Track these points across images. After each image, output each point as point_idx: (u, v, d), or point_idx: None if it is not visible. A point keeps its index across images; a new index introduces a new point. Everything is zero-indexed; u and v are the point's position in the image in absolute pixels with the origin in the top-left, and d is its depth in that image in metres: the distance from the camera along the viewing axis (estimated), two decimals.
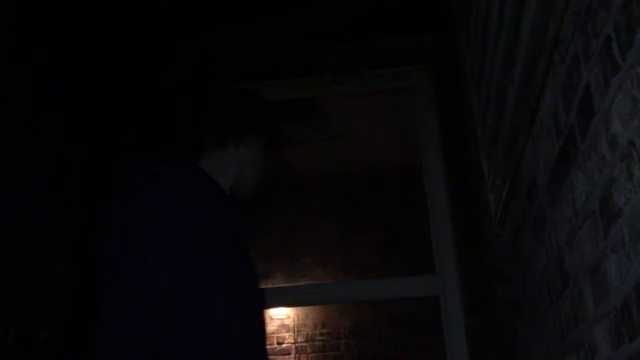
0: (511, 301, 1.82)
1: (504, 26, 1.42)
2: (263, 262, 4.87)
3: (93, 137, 2.28)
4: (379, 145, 4.42)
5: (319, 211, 4.97)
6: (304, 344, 4.95)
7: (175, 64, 2.54)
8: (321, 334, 4.95)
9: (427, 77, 2.56)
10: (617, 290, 0.88)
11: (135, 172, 1.41)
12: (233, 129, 1.53)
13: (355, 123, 4.20)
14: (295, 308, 4.96)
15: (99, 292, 1.26)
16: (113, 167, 2.18)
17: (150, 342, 1.21)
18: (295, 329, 5.00)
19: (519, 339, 1.74)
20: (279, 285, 4.75)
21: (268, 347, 4.83)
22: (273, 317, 5.00)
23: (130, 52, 2.47)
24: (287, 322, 5.01)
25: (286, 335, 4.98)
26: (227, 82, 2.54)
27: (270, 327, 4.99)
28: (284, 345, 4.96)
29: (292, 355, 4.93)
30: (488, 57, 1.69)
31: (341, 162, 4.72)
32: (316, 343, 4.94)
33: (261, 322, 1.49)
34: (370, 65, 2.56)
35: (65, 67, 2.18)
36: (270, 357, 5.29)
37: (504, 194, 1.65)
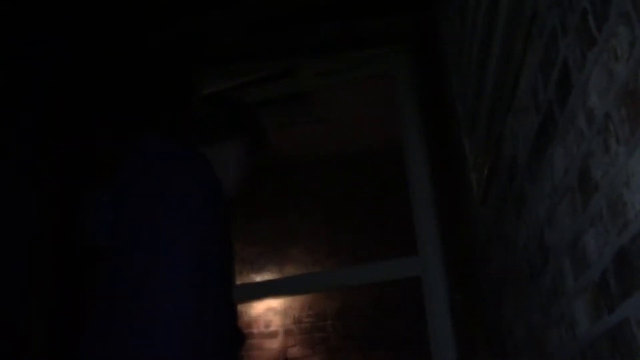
0: (494, 279, 1.83)
1: (482, 2, 1.41)
2: (250, 246, 4.87)
3: (74, 123, 2.25)
4: (364, 127, 4.41)
5: (304, 195, 4.97)
6: (291, 326, 4.97)
7: (155, 48, 2.51)
8: (308, 316, 4.98)
9: (409, 57, 2.54)
10: (596, 264, 0.88)
11: (146, 153, 1.44)
12: (221, 128, 1.58)
13: (339, 106, 4.18)
14: None
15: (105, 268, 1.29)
16: (101, 154, 2.16)
17: None
18: (283, 311, 5.01)
19: (503, 315, 1.76)
20: (266, 273, 4.77)
21: (256, 329, 4.80)
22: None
23: (109, 38, 2.43)
24: (274, 304, 5.02)
25: (273, 318, 5.00)
26: (208, 65, 2.52)
27: (257, 310, 5.01)
28: (272, 327, 4.97)
29: (280, 338, 4.95)
30: (467, 35, 1.68)
31: (326, 145, 4.71)
32: (303, 325, 4.96)
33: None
34: (351, 47, 2.54)
35: (43, 57, 2.14)
36: (258, 339, 5.30)
37: (486, 172, 1.65)
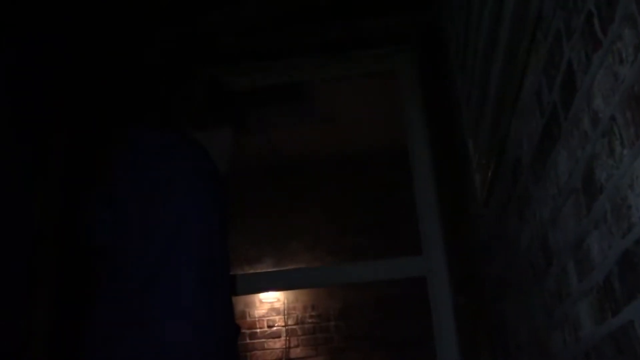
0: (497, 280, 1.83)
1: (487, 4, 1.41)
2: (251, 247, 4.87)
3: (75, 123, 2.25)
4: (365, 127, 4.41)
5: (305, 194, 4.97)
6: (294, 327, 4.97)
7: (157, 48, 2.51)
8: (311, 317, 4.98)
9: (413, 58, 2.54)
10: (600, 266, 0.88)
11: (141, 147, 1.43)
12: (214, 113, 1.58)
13: (340, 106, 4.18)
14: (284, 291, 4.97)
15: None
16: (100, 150, 2.16)
17: None
18: (286, 312, 5.02)
19: (506, 317, 1.76)
20: (268, 270, 4.76)
21: (258, 330, 4.79)
22: (263, 300, 5.02)
23: (111, 37, 2.43)
24: (277, 305, 5.03)
25: (276, 318, 5.00)
26: (210, 65, 2.51)
27: (260, 310, 5.01)
28: (275, 328, 4.98)
29: (283, 338, 4.95)
30: (472, 36, 1.68)
31: (327, 145, 4.71)
32: (306, 325, 4.96)
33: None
34: (354, 47, 2.54)
35: (46, 54, 2.14)
36: (261, 340, 5.32)
37: (490, 174, 1.65)
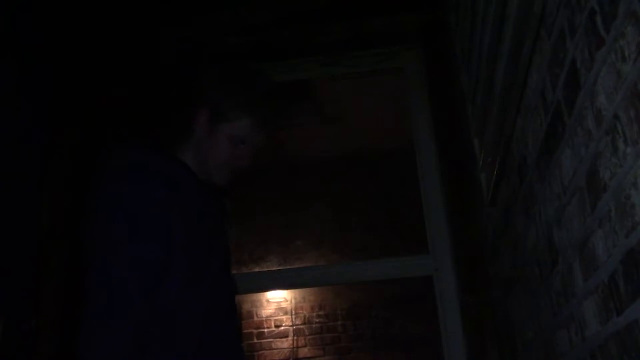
0: (504, 279, 1.83)
1: (491, 2, 1.41)
2: (257, 245, 4.88)
3: (86, 122, 2.27)
4: (372, 127, 4.40)
5: (312, 194, 4.97)
6: (301, 327, 4.98)
7: (163, 50, 2.51)
8: (318, 316, 4.98)
9: (418, 57, 2.54)
10: (605, 265, 0.88)
11: (116, 160, 1.40)
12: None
13: (347, 105, 4.17)
14: (291, 291, 4.98)
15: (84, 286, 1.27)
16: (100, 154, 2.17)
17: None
18: (293, 311, 5.02)
19: (512, 316, 1.75)
20: (274, 269, 4.77)
21: (266, 329, 4.79)
22: (270, 300, 5.03)
23: (116, 38, 2.44)
24: (284, 305, 5.03)
25: (284, 318, 5.01)
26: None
27: (268, 310, 5.02)
28: (282, 327, 4.98)
29: (290, 338, 4.96)
30: (477, 35, 1.67)
31: (334, 144, 4.71)
32: (313, 325, 4.96)
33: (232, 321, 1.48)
34: (360, 46, 2.54)
35: (56, 53, 2.16)
36: (269, 339, 5.31)
37: (495, 172, 1.65)
